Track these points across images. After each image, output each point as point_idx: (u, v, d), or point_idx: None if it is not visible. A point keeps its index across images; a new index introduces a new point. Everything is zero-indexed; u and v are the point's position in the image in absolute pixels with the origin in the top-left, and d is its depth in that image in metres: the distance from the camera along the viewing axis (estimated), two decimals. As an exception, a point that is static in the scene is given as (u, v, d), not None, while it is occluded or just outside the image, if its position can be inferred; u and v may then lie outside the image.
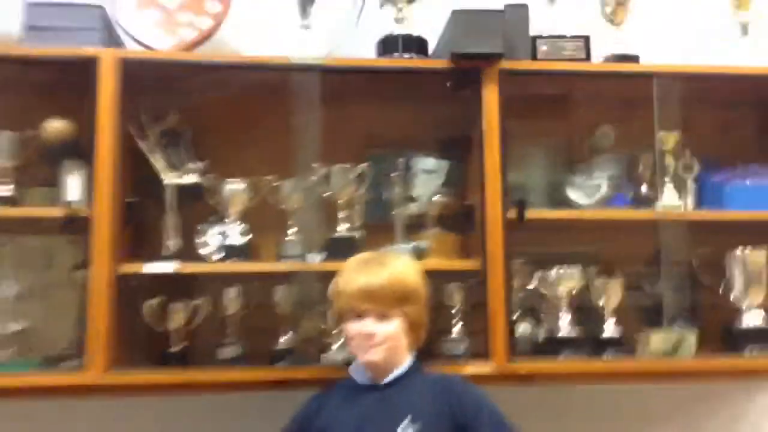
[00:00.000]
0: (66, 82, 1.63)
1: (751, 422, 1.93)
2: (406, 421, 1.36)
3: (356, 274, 1.43)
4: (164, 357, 1.60)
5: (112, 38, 1.69)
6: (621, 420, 1.87)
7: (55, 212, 1.59)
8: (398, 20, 1.77)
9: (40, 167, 1.67)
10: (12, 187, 1.62)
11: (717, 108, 1.89)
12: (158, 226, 1.68)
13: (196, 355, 1.62)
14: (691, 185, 1.83)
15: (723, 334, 1.78)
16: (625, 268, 1.80)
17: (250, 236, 1.68)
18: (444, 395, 1.42)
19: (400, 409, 1.38)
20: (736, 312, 1.77)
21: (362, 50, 1.80)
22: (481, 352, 1.65)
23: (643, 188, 1.81)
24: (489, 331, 1.63)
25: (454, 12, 1.67)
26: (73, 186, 1.62)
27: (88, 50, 1.59)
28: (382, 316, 1.41)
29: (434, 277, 1.65)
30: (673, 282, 1.78)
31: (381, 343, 1.40)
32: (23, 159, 1.66)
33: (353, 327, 1.42)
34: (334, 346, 1.62)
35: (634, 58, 1.80)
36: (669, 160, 1.79)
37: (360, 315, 1.41)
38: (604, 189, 1.81)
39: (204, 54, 1.71)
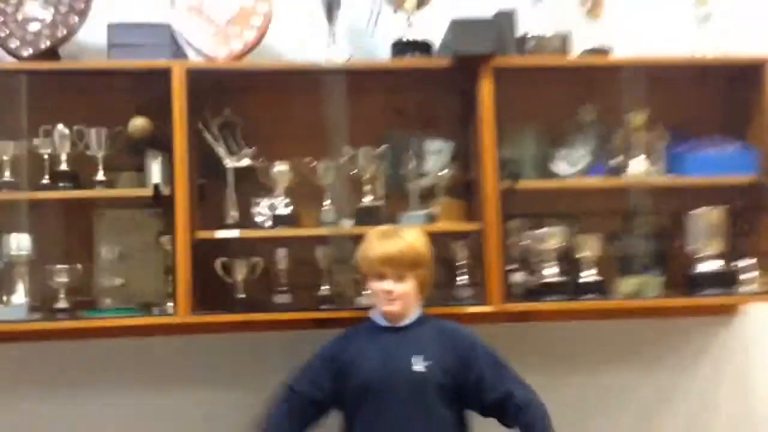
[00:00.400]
0: (143, 87, 2.04)
1: (713, 356, 2.30)
2: (418, 357, 1.76)
3: (378, 244, 1.81)
4: (232, 303, 2.04)
5: (177, 50, 2.10)
6: (598, 352, 2.25)
7: (143, 192, 2.02)
8: (408, 24, 2.13)
9: (127, 156, 2.10)
10: (101, 173, 2.06)
11: (683, 87, 2.21)
12: (221, 200, 2.10)
13: (255, 302, 2.05)
14: (658, 155, 2.18)
15: (684, 279, 2.14)
16: (602, 226, 2.16)
17: (294, 207, 2.08)
18: (447, 339, 1.82)
19: (414, 347, 1.78)
20: (696, 260, 2.13)
21: (380, 47, 2.17)
22: (482, 296, 2.05)
23: (617, 159, 2.16)
24: (488, 279, 2.02)
25: (453, 21, 2.03)
26: (155, 171, 2.05)
27: (161, 63, 2.00)
28: (399, 277, 1.79)
29: (443, 236, 2.06)
30: (643, 236, 2.16)
31: (397, 298, 1.79)
32: (113, 150, 2.09)
33: (376, 285, 1.80)
34: (363, 294, 2.03)
35: (606, 51, 2.14)
36: (638, 135, 2.14)
37: (381, 276, 1.79)
38: (585, 160, 2.17)
39: (251, 62, 2.09)
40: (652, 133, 2.16)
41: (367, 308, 1.91)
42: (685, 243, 2.14)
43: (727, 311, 2.26)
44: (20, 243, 2.01)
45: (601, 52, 2.15)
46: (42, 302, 2.02)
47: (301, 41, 2.16)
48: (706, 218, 2.12)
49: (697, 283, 2.11)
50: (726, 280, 2.11)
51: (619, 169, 2.15)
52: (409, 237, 1.83)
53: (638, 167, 2.13)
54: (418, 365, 1.76)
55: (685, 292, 2.12)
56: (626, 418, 2.26)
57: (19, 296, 1.99)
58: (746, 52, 2.16)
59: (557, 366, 2.22)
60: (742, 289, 2.11)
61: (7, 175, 2.04)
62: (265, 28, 2.11)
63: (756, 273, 2.12)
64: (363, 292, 2.02)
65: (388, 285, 1.79)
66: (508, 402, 1.79)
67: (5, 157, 2.04)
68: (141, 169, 2.07)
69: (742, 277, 2.12)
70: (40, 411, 2.13)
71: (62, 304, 2.01)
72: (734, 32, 2.21)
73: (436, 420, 1.76)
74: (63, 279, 2.02)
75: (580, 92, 2.18)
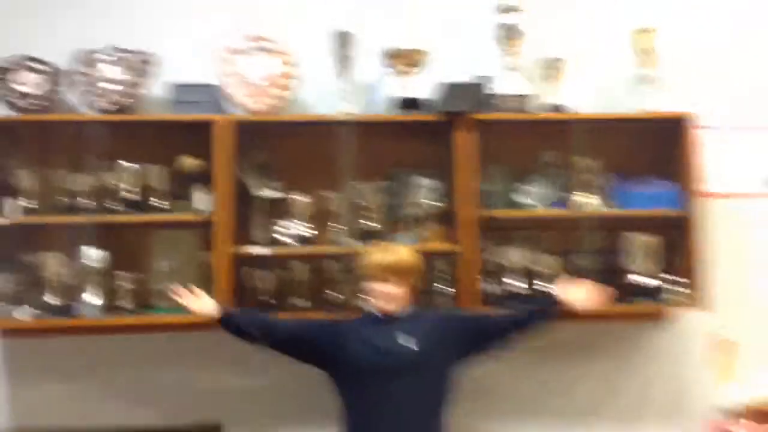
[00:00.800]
0: (193, 134, 2.57)
1: (645, 354, 2.79)
2: (407, 338, 2.25)
3: (377, 256, 2.33)
4: (259, 305, 2.56)
5: (220, 105, 2.64)
6: (551, 348, 2.67)
7: (191, 217, 2.55)
8: (403, 86, 2.66)
9: (178, 187, 2.61)
10: (158, 201, 2.59)
11: (624, 137, 2.73)
12: (252, 223, 2.62)
13: (279, 304, 2.57)
14: (604, 192, 2.71)
15: (622, 290, 2.66)
16: (557, 246, 2.69)
17: (311, 229, 2.61)
18: (433, 320, 2.33)
19: (404, 330, 2.26)
20: (631, 275, 2.65)
21: (383, 102, 2.70)
22: (458, 302, 2.55)
23: (569, 194, 2.69)
24: (462, 288, 2.54)
25: (440, 83, 2.58)
26: (201, 200, 2.58)
27: (210, 116, 2.54)
28: (392, 282, 2.28)
29: (429, 254, 2.58)
30: (589, 255, 2.67)
31: (390, 297, 2.29)
32: (169, 182, 2.62)
33: (374, 287, 2.32)
34: (362, 298, 2.53)
35: (563, 108, 2.68)
36: (586, 176, 2.68)
37: (379, 280, 2.29)
38: (544, 194, 2.70)
39: (281, 115, 2.63)
40: (598, 174, 2.70)
41: (363, 308, 2.40)
42: (623, 261, 2.68)
43: (657, 317, 2.78)
44: (94, 255, 2.54)
45: (559, 108, 2.69)
46: (110, 302, 2.54)
47: (321, 97, 2.69)
48: (640, 242, 2.66)
49: (632, 293, 2.64)
50: (655, 291, 2.64)
51: (571, 202, 2.68)
52: (402, 252, 2.35)
53: (586, 201, 2.67)
54: (407, 344, 2.23)
55: (622, 300, 2.64)
56: (572, 402, 2.77)
57: (94, 297, 2.52)
58: (675, 109, 2.69)
59: (518, 359, 2.66)
60: (669, 299, 2.64)
61: (84, 201, 2.56)
62: (293, 87, 2.65)
63: (680, 287, 2.64)
64: (361, 297, 2.50)
65: (383, 287, 2.30)
66: (500, 317, 2.38)
67: (83, 188, 2.57)
68: (188, 197, 2.59)
69: (669, 289, 2.65)
70: (109, 388, 2.65)
71: (126, 304, 2.53)
72: (668, 91, 2.74)
73: (425, 392, 2.23)
74: (127, 284, 2.55)
75: (541, 140, 2.71)
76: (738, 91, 2.85)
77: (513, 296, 2.63)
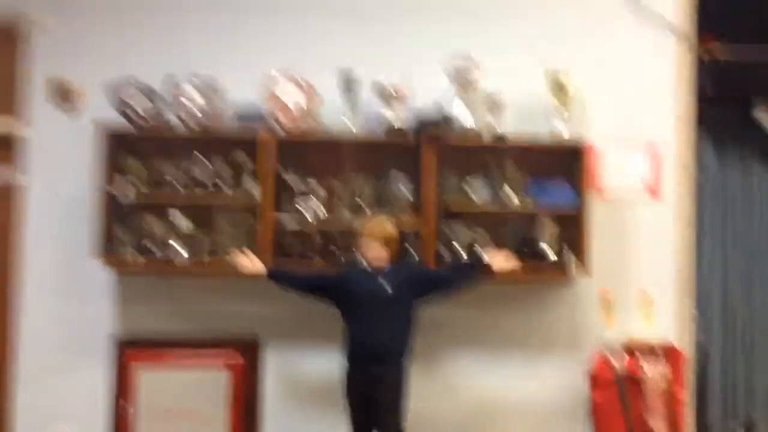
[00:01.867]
0: (247, 142, 3.84)
1: (551, 307, 4.02)
2: (387, 284, 3.51)
3: (369, 226, 3.59)
4: (288, 258, 3.83)
5: (265, 122, 3.89)
6: (482, 300, 3.87)
7: (245, 197, 3.84)
8: (392, 116, 3.88)
9: (238, 177, 3.90)
10: (224, 186, 3.88)
11: (543, 154, 3.94)
12: (285, 201, 3.89)
13: (301, 258, 3.85)
14: (525, 190, 3.91)
15: (537, 262, 3.89)
16: (492, 228, 3.92)
17: (324, 208, 3.87)
18: (404, 271, 3.57)
19: (384, 278, 3.51)
20: (541, 250, 3.88)
21: (375, 124, 3.94)
22: (422, 264, 3.82)
23: (501, 193, 3.91)
24: (425, 254, 3.79)
25: (415, 113, 3.81)
26: (252, 185, 3.85)
27: (258, 134, 3.81)
28: (379, 244, 3.55)
29: (404, 232, 3.82)
30: (516, 236, 3.91)
31: (376, 256, 3.56)
32: (231, 173, 3.89)
33: (365, 248, 3.57)
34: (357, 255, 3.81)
35: (502, 137, 3.88)
36: (513, 178, 3.89)
37: (368, 243, 3.57)
38: (485, 192, 3.92)
39: (305, 132, 3.87)
40: (521, 178, 3.91)
41: (357, 263, 3.68)
42: (536, 239, 3.90)
43: (559, 280, 4.00)
44: (180, 221, 3.85)
45: (499, 137, 3.89)
46: (191, 252, 3.85)
47: (333, 119, 3.91)
48: (548, 227, 3.87)
49: (541, 264, 3.87)
50: (558, 262, 3.87)
51: (502, 197, 3.91)
52: (386, 224, 3.61)
53: (512, 197, 3.89)
54: (387, 288, 3.50)
55: (534, 268, 3.87)
56: (501, 335, 4.02)
57: (181, 249, 3.83)
58: (581, 135, 3.88)
59: (466, 304, 3.90)
60: (567, 268, 3.86)
61: (175, 184, 3.86)
62: (314, 112, 3.90)
63: (575, 260, 3.86)
64: (357, 255, 3.75)
65: (371, 248, 3.55)
66: (447, 272, 3.65)
67: (175, 175, 3.87)
68: (243, 184, 3.87)
69: (567, 261, 3.87)
70: (186, 310, 3.98)
71: (202, 254, 3.85)
72: (577, 121, 3.94)
73: (397, 319, 3.49)
74: (203, 241, 3.86)
75: (485, 157, 3.92)
76: (625, 123, 4.03)
77: (458, 261, 3.88)
